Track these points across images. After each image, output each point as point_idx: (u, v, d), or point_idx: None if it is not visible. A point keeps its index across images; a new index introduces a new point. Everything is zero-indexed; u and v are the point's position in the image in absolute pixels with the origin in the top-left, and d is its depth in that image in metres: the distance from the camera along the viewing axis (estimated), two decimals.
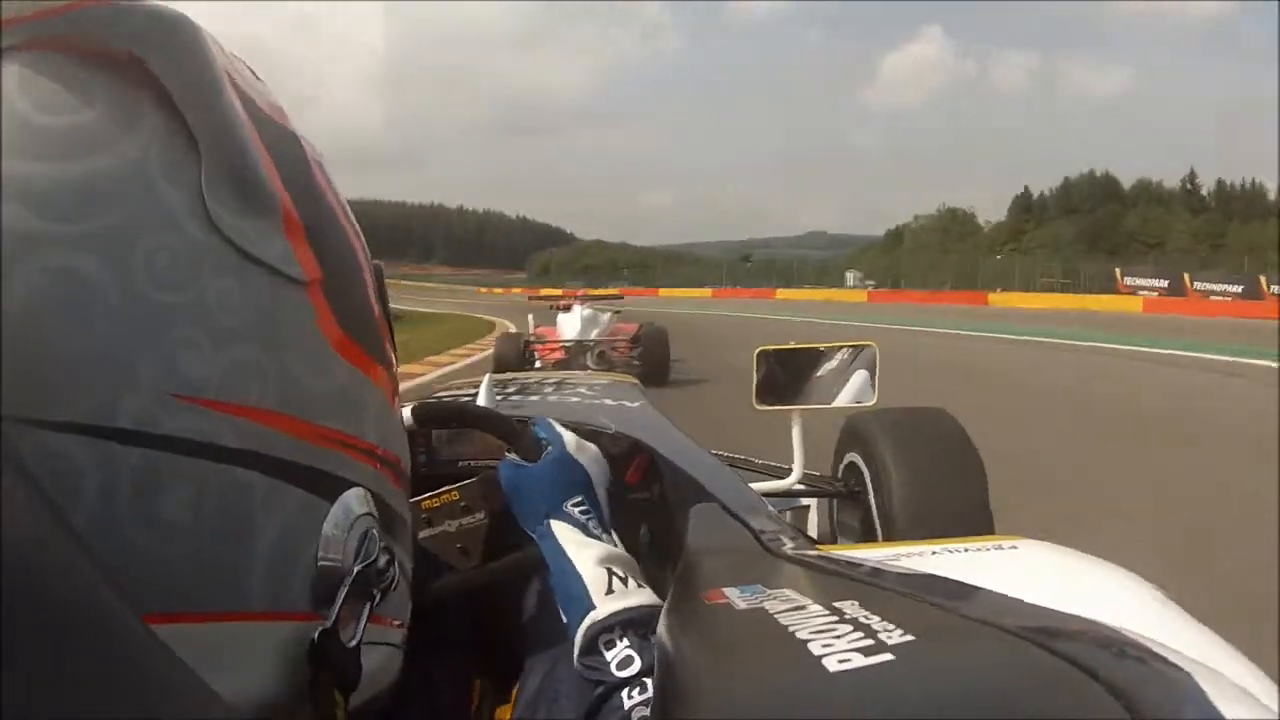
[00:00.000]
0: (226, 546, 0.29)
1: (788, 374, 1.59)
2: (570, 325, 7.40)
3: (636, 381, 1.44)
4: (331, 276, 0.35)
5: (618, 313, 8.19)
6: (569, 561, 0.56)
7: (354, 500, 0.34)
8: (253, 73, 0.38)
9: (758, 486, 1.34)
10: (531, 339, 7.25)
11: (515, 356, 6.59)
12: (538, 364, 6.59)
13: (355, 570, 0.33)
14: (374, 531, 0.35)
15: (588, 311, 7.62)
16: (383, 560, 0.35)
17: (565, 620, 0.54)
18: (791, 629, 0.40)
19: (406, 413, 0.63)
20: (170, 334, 0.28)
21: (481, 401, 0.99)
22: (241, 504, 0.29)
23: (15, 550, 0.20)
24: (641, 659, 0.50)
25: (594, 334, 7.34)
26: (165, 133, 0.30)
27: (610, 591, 0.53)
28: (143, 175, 0.29)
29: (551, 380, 1.34)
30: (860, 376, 1.54)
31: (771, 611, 0.44)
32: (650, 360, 6.90)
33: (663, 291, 44.31)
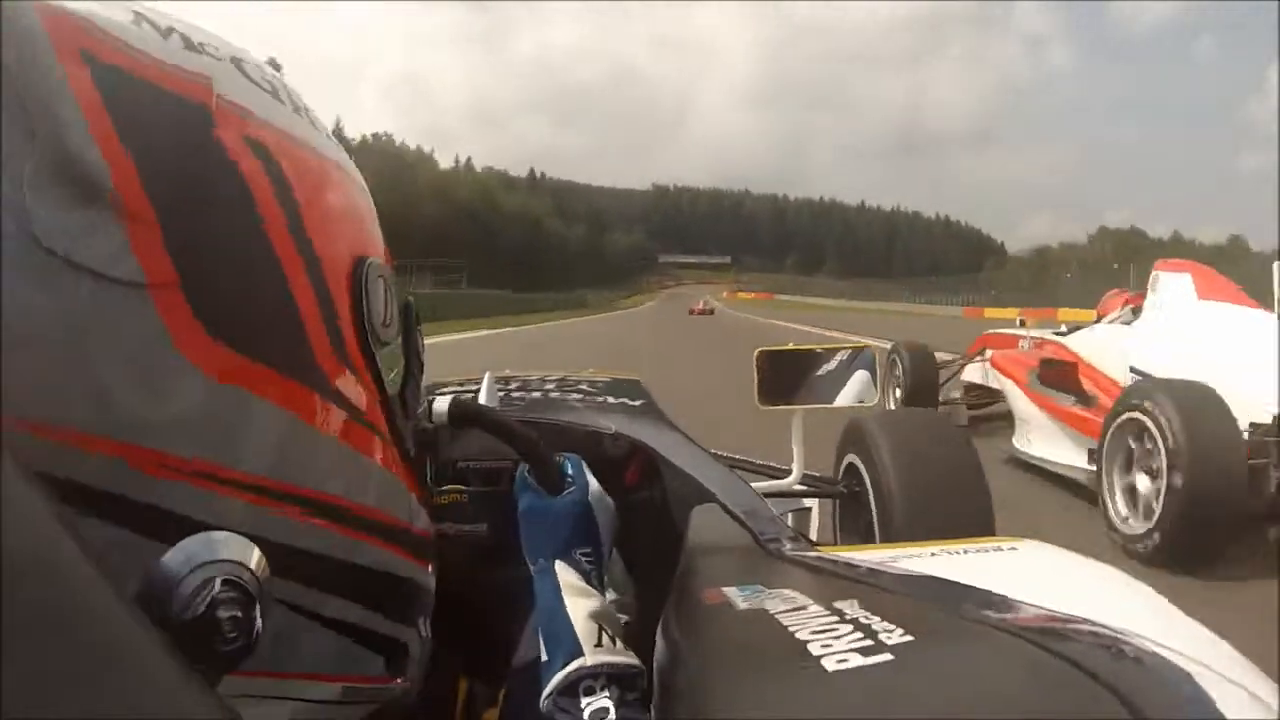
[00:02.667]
0: None
1: (787, 375, 1.59)
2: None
3: (639, 380, 1.44)
4: (200, 276, 0.31)
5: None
6: (563, 605, 0.56)
7: (199, 545, 0.29)
8: (186, 40, 0.34)
9: (757, 486, 1.34)
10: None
11: None
12: None
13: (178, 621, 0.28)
14: (218, 581, 0.29)
15: None
16: (223, 613, 0.28)
17: (545, 658, 0.54)
18: (791, 629, 0.40)
19: (441, 405, 0.60)
20: None
21: (483, 399, 0.99)
22: None
23: (14, 548, 0.20)
24: (617, 714, 0.50)
25: None
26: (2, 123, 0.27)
27: (599, 645, 0.54)
28: None
29: (553, 378, 1.33)
30: (861, 377, 1.54)
31: (771, 611, 0.44)
32: None
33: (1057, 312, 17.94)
